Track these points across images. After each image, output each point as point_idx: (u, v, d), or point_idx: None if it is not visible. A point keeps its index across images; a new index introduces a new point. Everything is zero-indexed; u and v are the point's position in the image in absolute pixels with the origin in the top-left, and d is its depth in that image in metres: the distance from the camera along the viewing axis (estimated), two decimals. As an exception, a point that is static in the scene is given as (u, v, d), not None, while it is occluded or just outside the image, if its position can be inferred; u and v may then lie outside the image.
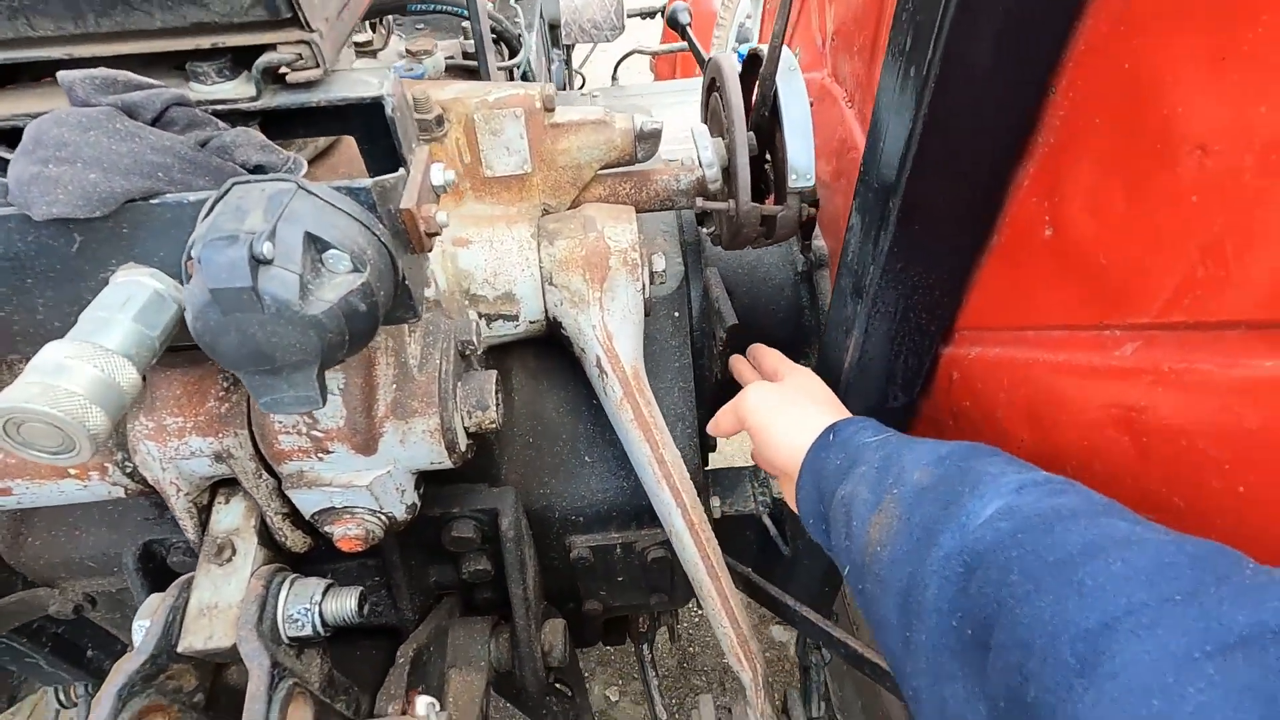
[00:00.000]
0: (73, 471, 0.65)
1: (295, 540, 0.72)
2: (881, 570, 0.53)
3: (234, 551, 0.68)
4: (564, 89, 2.76)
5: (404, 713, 0.76)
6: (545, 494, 0.99)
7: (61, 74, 0.49)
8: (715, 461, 2.64)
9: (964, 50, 0.57)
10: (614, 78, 2.41)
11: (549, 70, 2.47)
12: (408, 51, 1.08)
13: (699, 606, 1.44)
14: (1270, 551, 0.43)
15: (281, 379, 0.48)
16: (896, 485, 0.56)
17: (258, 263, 0.43)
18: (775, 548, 1.15)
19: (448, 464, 0.68)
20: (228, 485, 0.72)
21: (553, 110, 0.85)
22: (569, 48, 2.68)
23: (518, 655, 0.98)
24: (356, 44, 1.19)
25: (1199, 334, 0.48)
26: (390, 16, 1.18)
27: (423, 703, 0.70)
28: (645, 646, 1.48)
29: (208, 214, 0.47)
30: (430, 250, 0.59)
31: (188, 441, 0.64)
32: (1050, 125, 0.61)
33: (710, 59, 0.88)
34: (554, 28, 2.35)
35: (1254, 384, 0.44)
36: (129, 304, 0.49)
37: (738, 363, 1.01)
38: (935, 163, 0.64)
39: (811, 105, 1.01)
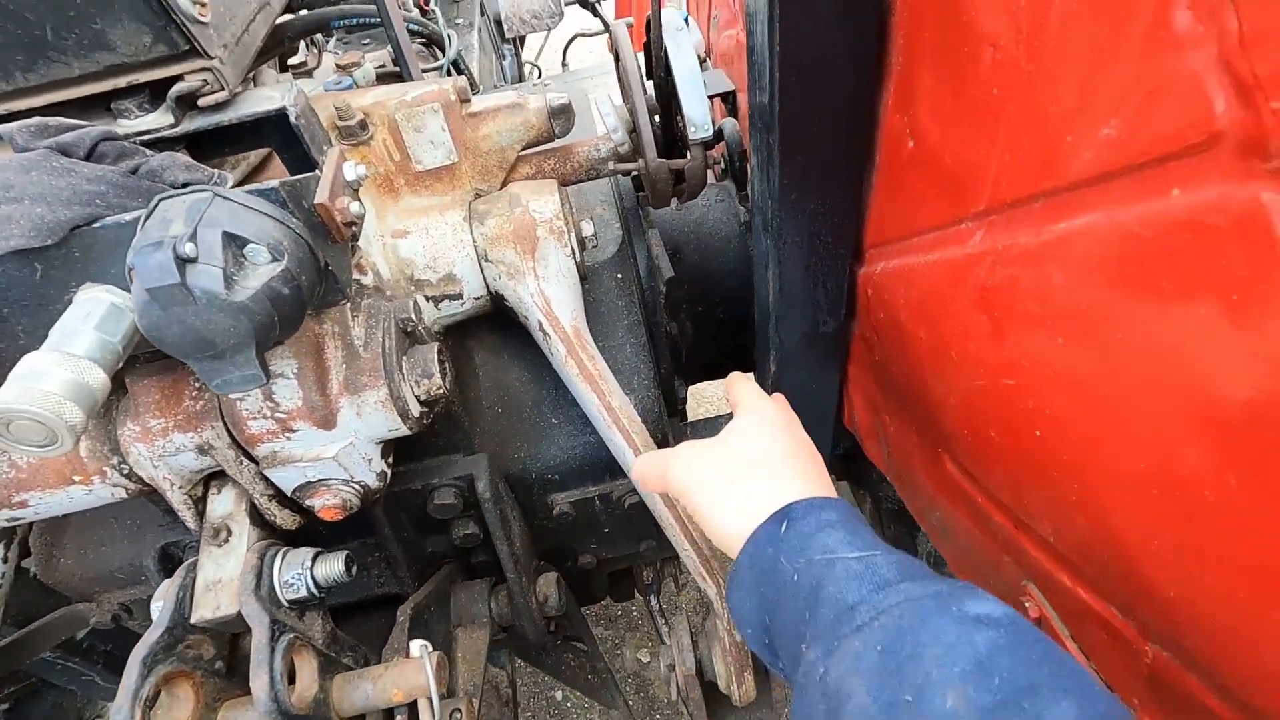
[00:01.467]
0: (77, 479, 0.73)
1: (284, 518, 0.80)
2: None
3: (230, 533, 0.77)
4: (520, 81, 2.81)
5: (406, 661, 0.84)
6: (520, 458, 1.07)
7: (1, 128, 0.57)
8: (704, 411, 2.69)
9: (797, -12, 0.62)
10: (564, 64, 2.45)
11: (501, 66, 2.53)
12: (338, 67, 1.15)
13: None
14: (1087, 385, 0.49)
15: (226, 362, 0.56)
16: (919, 707, 0.37)
17: (183, 261, 0.50)
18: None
19: (404, 430, 0.76)
20: (218, 477, 0.80)
21: (469, 101, 0.92)
22: (518, 41, 2.73)
23: (514, 608, 1.07)
24: (292, 66, 1.26)
25: (1016, 210, 0.54)
26: (320, 36, 1.25)
27: (415, 645, 0.78)
28: (652, 597, 1.56)
29: (140, 229, 0.55)
30: (352, 239, 0.66)
31: (171, 439, 0.72)
32: (896, 44, 0.67)
33: (609, 29, 0.93)
34: (499, 24, 2.41)
35: (1053, 245, 0.50)
36: (89, 316, 0.57)
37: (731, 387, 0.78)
38: (799, 95, 0.70)
39: (734, 62, 1.07)
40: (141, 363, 0.74)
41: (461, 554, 1.10)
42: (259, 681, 0.66)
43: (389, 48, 1.32)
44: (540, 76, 3.03)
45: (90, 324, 0.57)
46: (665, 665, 0.89)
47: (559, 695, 2.39)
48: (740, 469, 0.59)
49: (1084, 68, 0.43)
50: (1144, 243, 0.42)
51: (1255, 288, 0.35)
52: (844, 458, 1.31)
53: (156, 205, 0.55)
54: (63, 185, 0.55)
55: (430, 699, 0.75)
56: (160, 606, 0.74)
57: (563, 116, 0.95)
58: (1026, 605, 0.67)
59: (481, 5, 2.28)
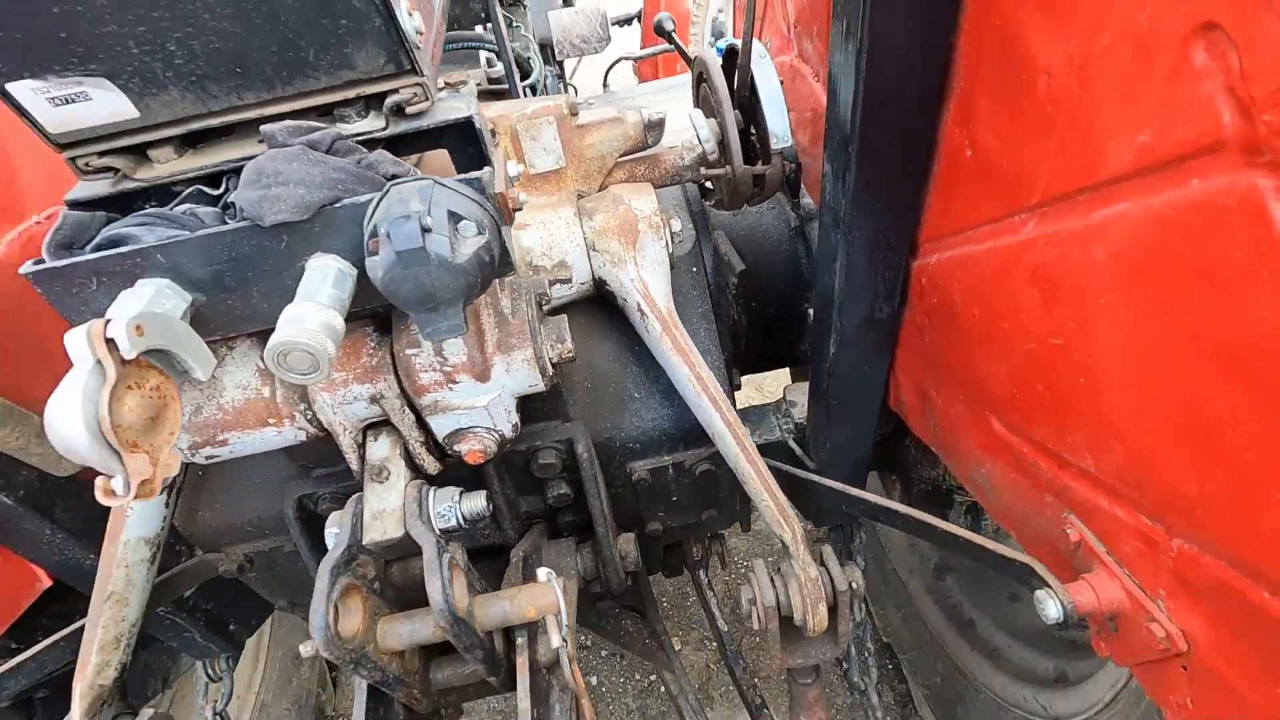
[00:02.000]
0: (271, 421, 0.87)
1: (430, 463, 0.94)
2: None
3: (389, 473, 0.91)
4: (560, 101, 2.99)
5: (525, 592, 0.98)
6: (606, 428, 1.21)
7: (265, 126, 0.72)
8: (741, 402, 2.85)
9: (884, 29, 0.78)
10: (605, 84, 2.63)
11: (545, 85, 2.71)
12: (446, 84, 1.30)
13: (742, 531, 1.65)
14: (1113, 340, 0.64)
15: (439, 314, 0.70)
16: None
17: (424, 231, 0.65)
18: (803, 466, 1.37)
19: (541, 386, 0.90)
20: (374, 427, 0.94)
21: (577, 114, 1.08)
22: (560, 63, 2.91)
23: (600, 560, 1.20)
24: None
25: (1064, 202, 0.69)
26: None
27: (542, 573, 0.92)
28: (701, 571, 1.69)
29: (375, 209, 0.70)
30: (513, 222, 0.81)
31: (350, 389, 0.87)
32: (959, 72, 0.82)
33: (696, 56, 1.09)
34: (544, 46, 2.59)
35: (1097, 227, 0.65)
36: (326, 278, 0.71)
37: None
38: (877, 113, 0.85)
39: (784, 83, 1.23)
40: (323, 326, 0.89)
41: (551, 514, 1.23)
42: (434, 586, 0.79)
43: (482, 67, 1.48)
44: (577, 95, 3.21)
45: (328, 283, 0.71)
46: (746, 600, 1.02)
47: (594, 680, 2.50)
48: None
49: (1124, 91, 0.58)
50: (1170, 220, 0.56)
51: (1254, 248, 0.50)
52: (880, 443, 1.45)
53: (389, 190, 0.70)
54: (316, 173, 0.69)
55: (559, 616, 0.89)
56: (335, 533, 0.88)
57: (656, 129, 1.11)
58: (1068, 532, 0.81)
59: (533, 30, 2.46)
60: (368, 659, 0.86)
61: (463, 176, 0.72)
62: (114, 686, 1.01)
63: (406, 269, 0.66)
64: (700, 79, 1.11)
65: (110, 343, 0.62)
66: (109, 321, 0.62)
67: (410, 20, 0.72)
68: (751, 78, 1.00)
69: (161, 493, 1.06)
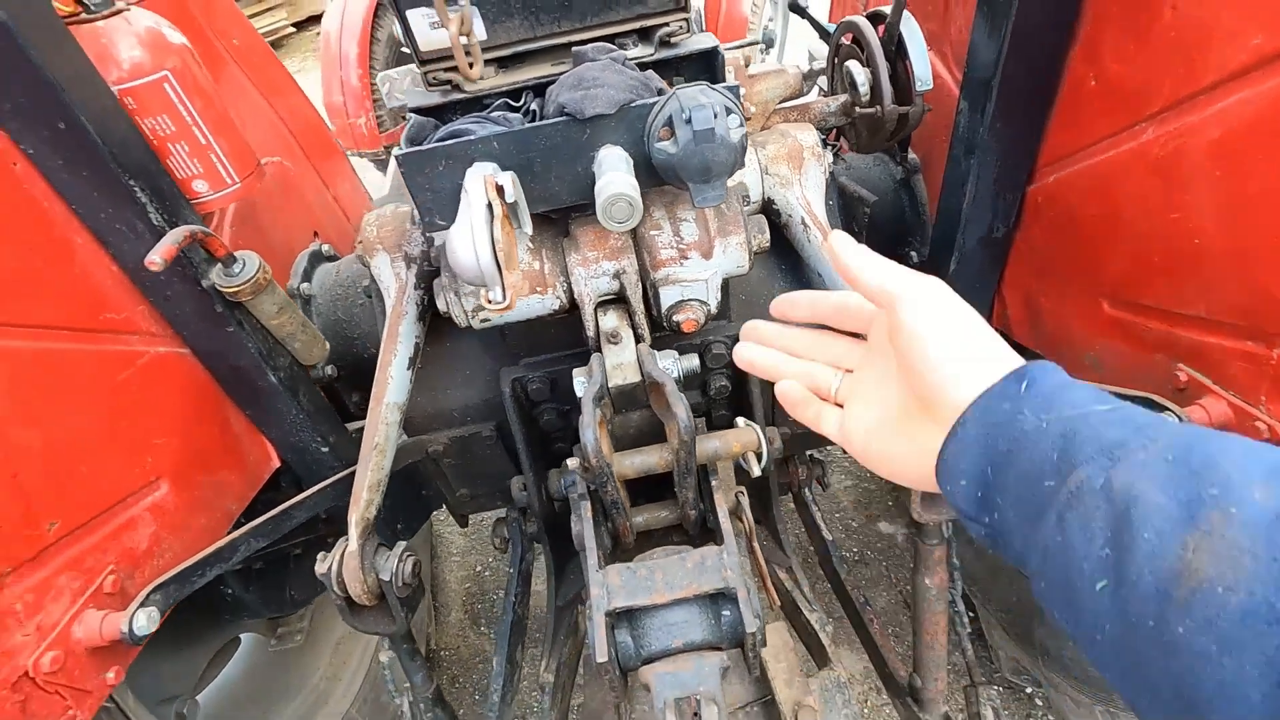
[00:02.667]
0: (538, 290, 1.11)
1: (647, 333, 1.17)
2: (1224, 618, 0.36)
3: (621, 337, 1.14)
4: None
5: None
6: (756, 333, 1.43)
7: (576, 48, 0.96)
8: None
9: (1034, -19, 1.01)
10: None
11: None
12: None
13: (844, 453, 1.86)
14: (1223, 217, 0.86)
15: (709, 185, 0.94)
16: (1226, 500, 0.38)
17: (714, 115, 0.89)
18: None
19: (746, 268, 1.13)
20: (603, 305, 1.18)
21: (749, 64, 1.32)
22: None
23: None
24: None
25: (1184, 104, 0.92)
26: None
27: (741, 420, 1.14)
28: (806, 490, 1.91)
29: (662, 107, 0.94)
30: (741, 131, 1.04)
31: (600, 264, 1.10)
32: (1087, 16, 1.06)
33: (846, 19, 1.34)
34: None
35: (1216, 116, 0.87)
36: (623, 159, 0.95)
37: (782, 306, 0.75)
38: (1021, 52, 1.08)
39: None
40: (575, 218, 1.13)
41: (709, 406, 1.46)
42: (680, 407, 1.02)
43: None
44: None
45: (625, 163, 0.95)
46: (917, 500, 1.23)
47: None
48: (974, 323, 0.56)
49: (1239, 7, 0.81)
50: (1276, 97, 0.79)
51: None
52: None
53: (675, 92, 0.93)
54: (621, 80, 0.93)
55: (760, 453, 1.11)
56: (583, 381, 1.11)
57: (811, 80, 1.35)
58: (1178, 375, 1.03)
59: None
60: (611, 479, 1.08)
61: (724, 85, 0.95)
62: (374, 522, 1.23)
63: (698, 145, 0.89)
64: (852, 40, 1.35)
65: (499, 189, 0.86)
66: (497, 176, 0.86)
67: (689, -33, 0.96)
68: (900, 34, 1.24)
69: (408, 368, 1.29)
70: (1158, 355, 1.07)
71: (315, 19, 7.04)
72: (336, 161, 2.23)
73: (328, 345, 1.44)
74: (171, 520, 1.16)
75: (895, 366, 0.59)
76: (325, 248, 1.79)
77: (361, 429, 1.69)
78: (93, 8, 1.06)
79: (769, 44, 4.79)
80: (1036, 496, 0.46)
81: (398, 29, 0.95)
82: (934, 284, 0.58)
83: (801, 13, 1.52)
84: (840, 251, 0.62)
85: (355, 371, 1.69)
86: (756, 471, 1.11)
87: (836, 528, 2.74)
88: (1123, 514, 0.40)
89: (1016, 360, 0.53)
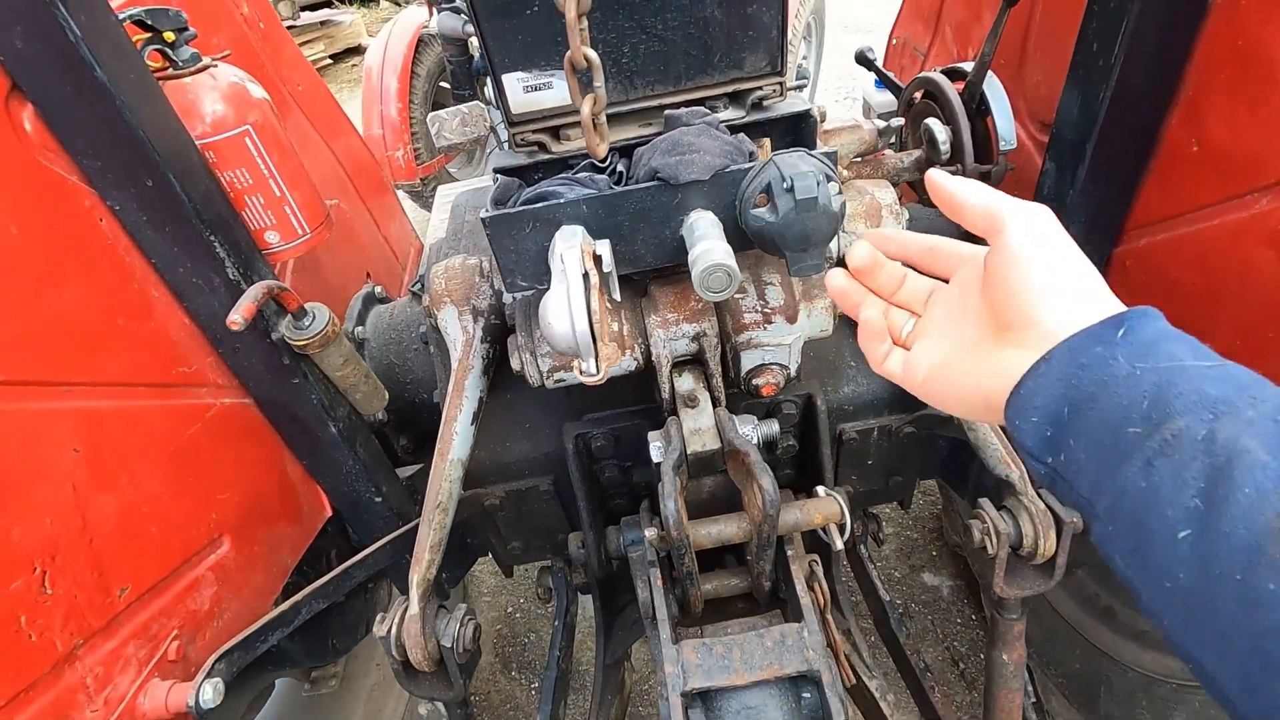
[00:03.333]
0: (624, 353, 1.08)
1: (723, 396, 1.14)
2: None
3: (699, 400, 1.10)
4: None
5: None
6: (823, 390, 1.39)
7: (669, 111, 0.94)
8: None
9: (1138, 45, 0.98)
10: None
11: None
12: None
13: (902, 508, 1.80)
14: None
15: (807, 254, 0.91)
16: None
17: (816, 183, 0.86)
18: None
19: (829, 331, 1.10)
20: (679, 366, 1.15)
21: (824, 119, 1.30)
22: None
23: (822, 505, 1.37)
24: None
25: (1308, 177, 0.88)
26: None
27: (821, 489, 1.10)
28: (861, 546, 1.84)
29: (758, 173, 0.91)
30: (831, 194, 1.01)
31: (680, 327, 1.07)
32: (1190, 81, 1.03)
33: (924, 75, 1.32)
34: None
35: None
36: (715, 224, 0.92)
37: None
38: (1119, 114, 1.05)
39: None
40: (654, 278, 1.10)
41: (774, 464, 1.41)
42: (766, 479, 0.98)
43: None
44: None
45: (717, 228, 0.92)
46: (979, 530, 1.18)
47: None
48: (1081, 261, 0.53)
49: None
50: None
51: None
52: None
53: (772, 160, 0.91)
54: (716, 145, 0.91)
55: (843, 524, 1.06)
56: (659, 446, 1.08)
57: (886, 136, 1.33)
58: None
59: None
60: (689, 550, 1.04)
61: (821, 151, 0.93)
62: (434, 581, 1.19)
63: (799, 214, 0.87)
64: (925, 95, 1.33)
65: (597, 259, 0.83)
66: (593, 245, 0.84)
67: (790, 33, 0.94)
68: (983, 92, 1.22)
69: (472, 423, 1.27)
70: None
71: (352, 51, 7.20)
72: (387, 199, 2.24)
73: (387, 395, 1.42)
74: (232, 578, 1.13)
75: (976, 302, 0.58)
76: (378, 290, 1.78)
77: (411, 476, 1.67)
78: (180, 64, 1.06)
79: (804, 79, 4.83)
80: (1119, 442, 0.45)
81: (489, 89, 0.94)
82: (1045, 211, 0.55)
83: (869, 65, 1.51)
84: (942, 180, 0.60)
85: (406, 416, 1.67)
86: (839, 545, 1.07)
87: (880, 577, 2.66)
88: (1223, 467, 0.40)
89: (1117, 306, 0.50)
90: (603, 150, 0.77)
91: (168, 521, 1.00)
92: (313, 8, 7.27)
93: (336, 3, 7.61)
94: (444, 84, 4.16)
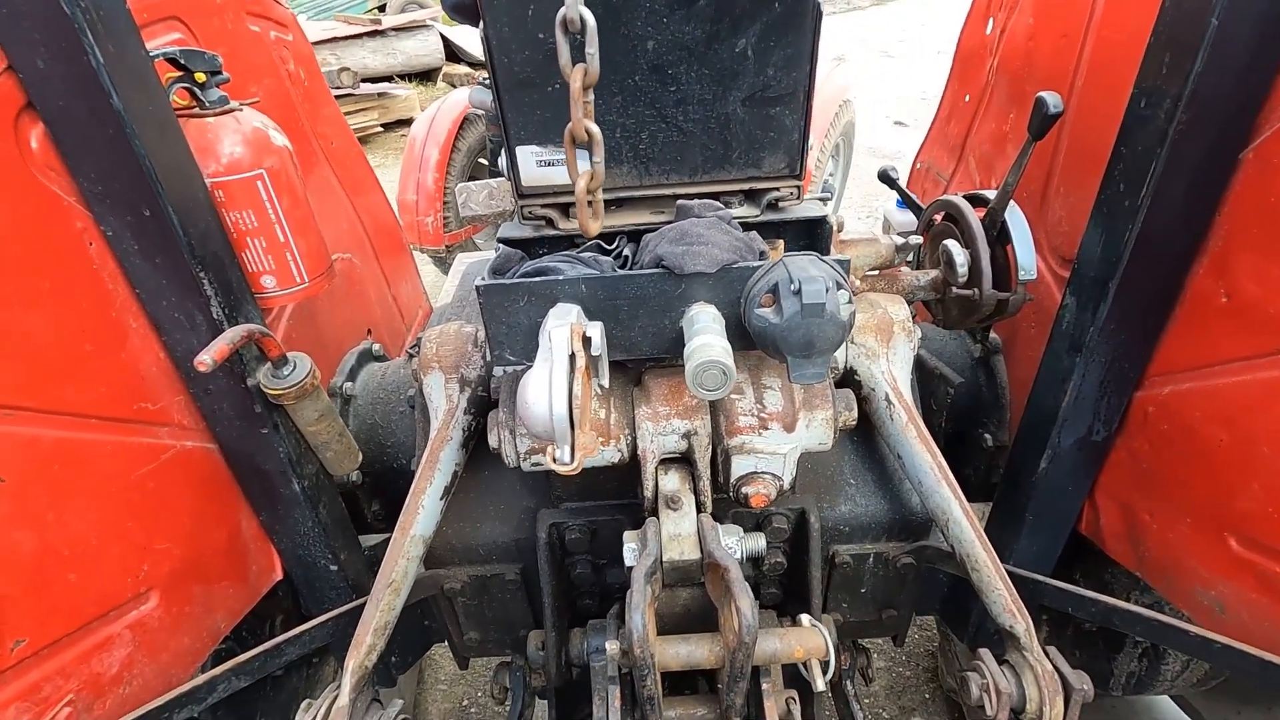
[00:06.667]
0: (601, 440, 1.02)
1: (708, 501, 1.06)
2: None
3: (682, 503, 1.03)
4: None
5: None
6: (820, 507, 1.31)
7: (682, 201, 0.92)
8: None
9: (1167, 193, 0.96)
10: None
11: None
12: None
13: (895, 645, 1.66)
14: None
15: (810, 361, 0.85)
16: None
17: (825, 289, 0.82)
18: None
19: (828, 445, 1.03)
20: (665, 464, 1.07)
21: (842, 228, 1.28)
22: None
23: (807, 633, 1.25)
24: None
25: (1349, 342, 0.82)
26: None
27: (806, 619, 1.00)
28: (848, 682, 1.69)
29: (766, 273, 0.88)
30: (841, 303, 0.98)
31: (670, 422, 1.01)
32: (1218, 231, 1.00)
33: (944, 199, 1.31)
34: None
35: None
36: (716, 319, 0.88)
37: None
38: (1144, 257, 1.02)
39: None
40: (650, 368, 1.05)
41: (759, 581, 1.31)
42: (745, 600, 0.88)
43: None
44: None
45: (718, 324, 0.88)
46: (977, 686, 1.06)
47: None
48: None
49: None
50: None
51: None
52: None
53: (782, 261, 0.88)
54: (725, 240, 0.88)
55: (827, 661, 0.96)
56: (633, 548, 0.99)
57: (903, 253, 1.31)
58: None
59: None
60: (652, 671, 0.93)
61: (834, 257, 0.90)
62: (372, 671, 1.08)
63: (805, 319, 0.82)
64: (946, 218, 1.32)
65: (586, 340, 0.79)
66: (584, 326, 0.80)
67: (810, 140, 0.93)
68: (1004, 221, 1.20)
69: (441, 498, 1.19)
70: (1304, 614, 0.92)
71: (403, 122, 7.56)
72: (402, 259, 2.24)
73: (360, 457, 1.35)
74: (153, 639, 1.03)
75: None
76: (376, 347, 1.74)
77: (376, 546, 1.57)
78: (207, 104, 1.07)
79: (830, 193, 4.97)
80: None
81: (503, 162, 0.93)
82: None
83: (892, 184, 1.51)
84: None
85: (382, 480, 1.59)
86: (820, 686, 0.95)
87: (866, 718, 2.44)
88: None
89: None
90: (595, 228, 0.73)
91: (90, 569, 0.92)
92: (374, 80, 7.71)
93: (396, 79, 8.06)
94: (482, 160, 4.32)
